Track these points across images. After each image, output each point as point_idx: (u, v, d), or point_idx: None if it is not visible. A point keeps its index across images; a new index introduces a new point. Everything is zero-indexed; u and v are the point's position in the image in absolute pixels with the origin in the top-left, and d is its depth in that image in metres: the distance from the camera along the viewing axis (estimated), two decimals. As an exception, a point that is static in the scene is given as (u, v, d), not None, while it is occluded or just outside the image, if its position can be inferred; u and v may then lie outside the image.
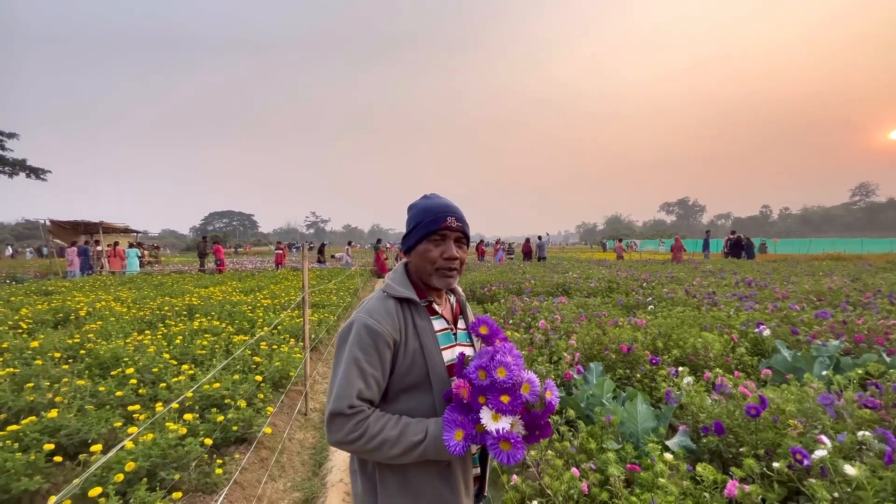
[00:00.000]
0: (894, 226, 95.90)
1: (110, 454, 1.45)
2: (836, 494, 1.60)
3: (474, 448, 1.22)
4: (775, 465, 1.79)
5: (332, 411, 1.08)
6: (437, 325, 1.23)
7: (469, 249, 1.31)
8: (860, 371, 2.53)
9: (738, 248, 19.57)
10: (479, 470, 1.28)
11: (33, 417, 2.90)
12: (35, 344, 4.67)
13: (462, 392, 0.99)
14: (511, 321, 5.34)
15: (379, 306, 1.17)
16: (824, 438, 1.86)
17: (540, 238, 21.63)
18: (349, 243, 26.07)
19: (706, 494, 1.73)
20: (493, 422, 0.94)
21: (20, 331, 5.82)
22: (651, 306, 6.24)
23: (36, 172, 35.62)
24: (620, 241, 26.64)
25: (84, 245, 17.70)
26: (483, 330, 1.11)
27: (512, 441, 0.94)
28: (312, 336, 5.82)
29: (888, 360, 3.24)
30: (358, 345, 1.11)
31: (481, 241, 25.77)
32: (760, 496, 1.63)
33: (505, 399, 0.96)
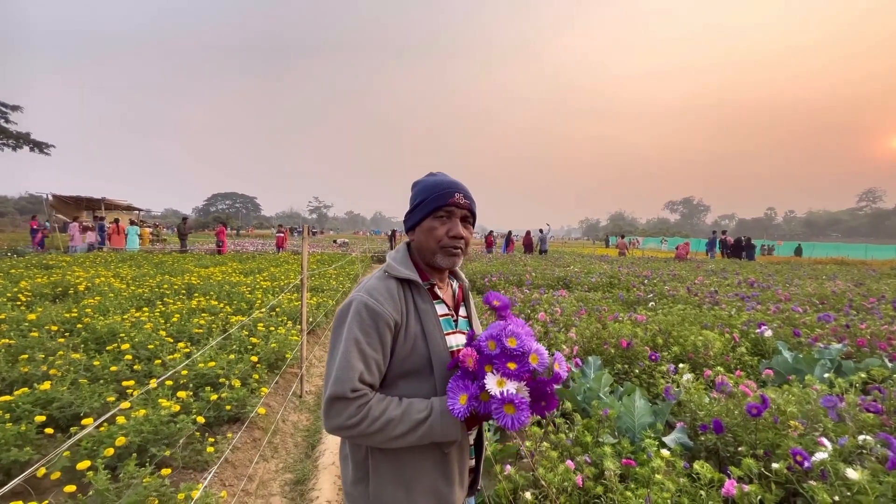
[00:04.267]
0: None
1: (95, 423, 1.42)
2: (836, 498, 1.56)
3: (472, 438, 1.18)
4: (774, 465, 1.75)
5: (333, 395, 1.01)
6: (439, 309, 1.18)
7: (477, 239, 1.26)
8: (863, 375, 2.49)
9: (738, 249, 19.47)
10: (474, 462, 1.24)
11: (26, 389, 2.88)
12: (32, 316, 4.66)
13: (468, 361, 0.97)
14: (510, 312, 5.30)
15: (380, 286, 1.12)
16: (825, 441, 1.83)
17: (541, 231, 21.30)
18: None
19: (702, 493, 1.70)
20: (498, 387, 0.93)
21: (18, 303, 5.82)
22: (652, 303, 6.20)
23: (40, 146, 35.43)
24: (623, 237, 26.51)
25: (101, 220, 17.71)
26: (496, 303, 1.10)
27: (516, 403, 0.92)
28: (310, 319, 5.80)
29: (890, 365, 3.20)
30: (358, 325, 1.06)
31: (490, 231, 25.38)
32: (759, 496, 1.60)
33: (512, 366, 0.95)
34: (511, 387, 0.93)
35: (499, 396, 0.92)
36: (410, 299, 1.14)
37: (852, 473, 1.54)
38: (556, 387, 0.99)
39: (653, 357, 3.39)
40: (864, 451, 1.79)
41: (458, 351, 1.17)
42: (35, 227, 16.59)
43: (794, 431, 1.98)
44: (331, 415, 1.01)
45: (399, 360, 1.10)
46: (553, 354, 1.01)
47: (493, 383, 0.93)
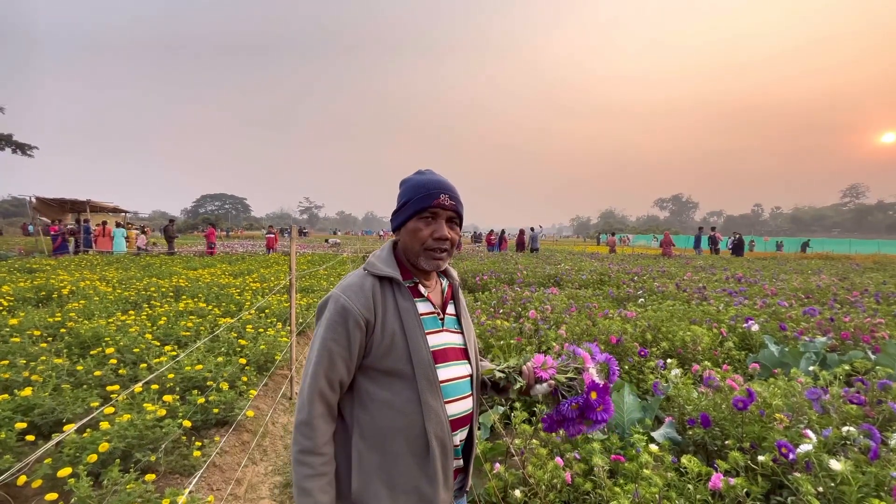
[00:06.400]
0: (882, 227, 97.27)
1: (74, 428, 1.39)
2: (820, 489, 1.58)
3: (457, 440, 1.17)
4: (760, 458, 1.77)
5: (299, 412, 1.09)
6: (422, 307, 1.16)
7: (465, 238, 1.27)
8: (846, 367, 2.52)
9: (738, 247, 19.72)
10: (461, 462, 1.23)
11: (6, 395, 2.81)
12: (14, 321, 4.55)
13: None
14: (501, 310, 5.31)
15: (355, 283, 1.12)
16: (810, 433, 1.85)
17: (533, 229, 21.57)
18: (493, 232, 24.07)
19: (690, 486, 1.71)
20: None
21: (0, 308, 5.69)
22: (641, 299, 6.25)
23: (22, 148, 34.77)
24: (613, 234, 26.73)
25: (85, 223, 17.30)
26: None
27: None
28: (300, 320, 5.75)
29: (873, 357, 3.25)
30: (327, 322, 1.09)
31: (491, 231, 25.37)
32: (745, 489, 1.61)
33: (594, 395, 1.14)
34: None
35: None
36: (390, 297, 1.13)
37: (836, 464, 1.56)
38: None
39: (642, 353, 3.41)
40: (848, 443, 1.81)
41: (445, 349, 1.17)
42: (55, 231, 16.09)
43: (780, 424, 2.00)
44: (294, 432, 1.09)
45: (377, 358, 1.09)
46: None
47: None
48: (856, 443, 1.78)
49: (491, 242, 23.13)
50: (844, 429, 1.85)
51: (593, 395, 1.11)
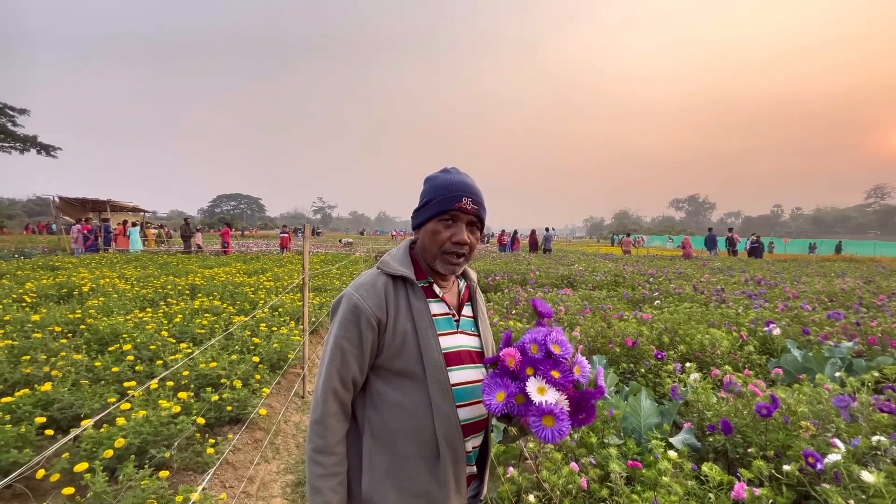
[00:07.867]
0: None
1: (89, 423, 1.39)
2: (850, 501, 1.51)
3: (470, 446, 1.14)
4: (786, 467, 1.70)
5: (313, 411, 1.08)
6: (436, 308, 1.14)
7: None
8: (875, 373, 2.43)
9: (756, 249, 19.26)
10: (475, 469, 1.20)
11: (27, 390, 2.87)
12: (36, 318, 4.67)
13: (509, 361, 0.94)
14: (514, 311, 5.26)
15: (367, 282, 1.11)
16: (838, 442, 1.78)
17: (547, 230, 21.46)
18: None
19: (711, 495, 1.65)
20: (539, 394, 0.88)
21: (23, 304, 5.84)
22: (657, 301, 6.13)
23: (46, 149, 35.76)
24: (628, 235, 26.38)
25: (105, 222, 17.72)
26: (540, 309, 1.07)
27: (556, 414, 0.87)
28: (313, 319, 5.78)
29: (903, 363, 3.13)
30: (340, 321, 1.09)
31: (503, 231, 25.18)
32: (770, 500, 1.55)
33: (556, 374, 0.91)
34: (551, 396, 0.88)
35: (537, 405, 0.87)
36: (403, 296, 1.11)
37: (868, 476, 1.49)
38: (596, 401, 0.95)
39: (659, 356, 3.34)
40: (879, 453, 1.73)
41: (458, 352, 1.13)
42: (88, 230, 16.64)
43: (806, 432, 1.93)
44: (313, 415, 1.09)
45: (389, 358, 1.08)
46: (596, 368, 0.97)
47: (533, 388, 0.89)
48: (887, 453, 1.70)
49: (502, 243, 23.03)
50: (874, 438, 1.77)
51: (547, 421, 0.91)
